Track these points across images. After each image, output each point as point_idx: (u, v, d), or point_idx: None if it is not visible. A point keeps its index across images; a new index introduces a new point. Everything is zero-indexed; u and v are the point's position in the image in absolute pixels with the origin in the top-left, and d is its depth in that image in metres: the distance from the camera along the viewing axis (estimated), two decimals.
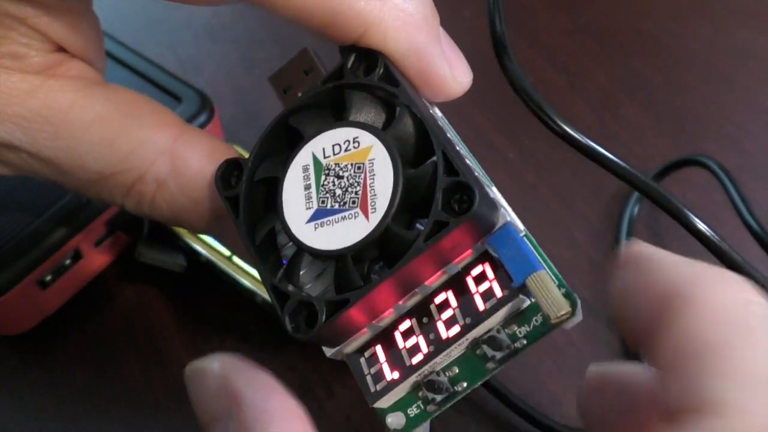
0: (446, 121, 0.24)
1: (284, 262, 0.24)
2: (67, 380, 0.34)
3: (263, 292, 0.34)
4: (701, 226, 0.26)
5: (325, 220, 0.22)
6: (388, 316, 0.23)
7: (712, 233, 0.25)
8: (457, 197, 0.21)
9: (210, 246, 0.35)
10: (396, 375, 0.23)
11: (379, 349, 0.23)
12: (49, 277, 0.33)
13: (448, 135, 0.23)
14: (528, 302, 0.22)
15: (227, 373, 0.20)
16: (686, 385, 0.17)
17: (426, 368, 0.22)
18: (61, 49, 0.25)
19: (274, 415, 0.19)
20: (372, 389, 0.23)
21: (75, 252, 0.34)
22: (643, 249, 0.20)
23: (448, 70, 0.23)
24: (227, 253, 0.35)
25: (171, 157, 0.25)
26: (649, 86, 0.42)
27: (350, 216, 0.22)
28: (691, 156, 0.37)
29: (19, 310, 0.33)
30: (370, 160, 0.22)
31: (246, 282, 0.34)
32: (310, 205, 0.23)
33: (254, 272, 0.34)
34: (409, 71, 0.23)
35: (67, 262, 0.34)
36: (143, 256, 0.33)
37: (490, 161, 0.38)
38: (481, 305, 0.22)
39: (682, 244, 0.25)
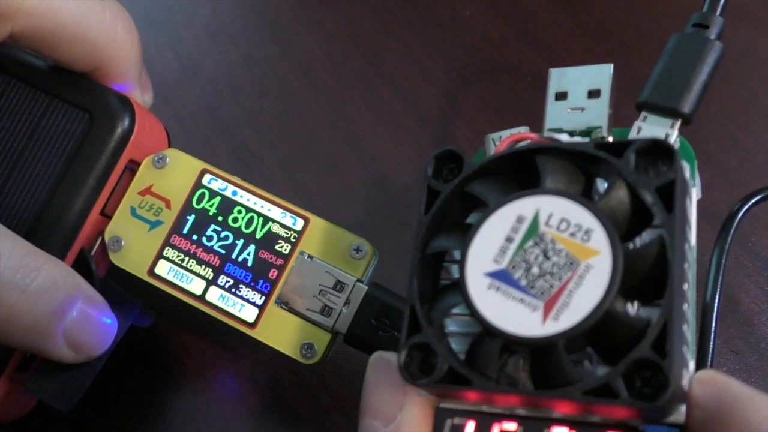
0: (694, 255, 0.21)
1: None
2: None
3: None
4: None
5: (503, 286, 0.20)
6: (499, 407, 0.21)
7: None
8: (647, 376, 0.18)
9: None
10: None
11: (470, 425, 0.21)
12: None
13: (688, 274, 0.20)
14: None
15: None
16: None
17: None
18: None
19: None
20: None
21: None
22: (723, 380, 0.19)
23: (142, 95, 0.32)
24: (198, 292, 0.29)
25: None
26: None
27: (529, 304, 0.19)
28: None
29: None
30: (587, 264, 0.19)
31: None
32: (500, 260, 0.20)
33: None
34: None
35: None
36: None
37: None
38: None
39: None
